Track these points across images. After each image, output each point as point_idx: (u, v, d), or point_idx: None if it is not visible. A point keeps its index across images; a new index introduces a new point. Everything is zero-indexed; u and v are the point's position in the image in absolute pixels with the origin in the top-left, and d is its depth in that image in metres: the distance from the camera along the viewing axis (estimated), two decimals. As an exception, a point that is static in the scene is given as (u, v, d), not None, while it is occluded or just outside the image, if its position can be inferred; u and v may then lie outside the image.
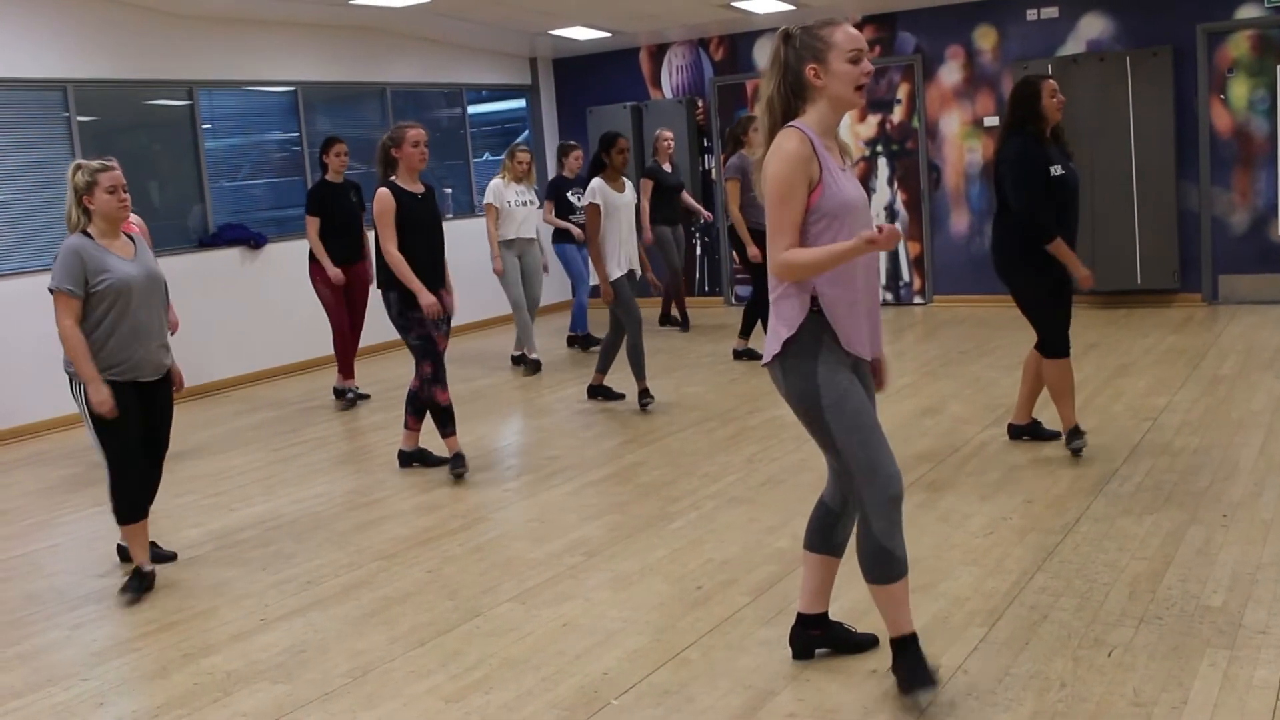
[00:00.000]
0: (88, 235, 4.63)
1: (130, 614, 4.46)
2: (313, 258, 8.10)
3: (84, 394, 4.62)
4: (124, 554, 5.04)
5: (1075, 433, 5.57)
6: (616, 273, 7.26)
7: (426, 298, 5.86)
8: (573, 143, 9.88)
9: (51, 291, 4.55)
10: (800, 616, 3.56)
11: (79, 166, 4.65)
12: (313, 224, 8.03)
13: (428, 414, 6.20)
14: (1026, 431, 5.89)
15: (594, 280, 7.61)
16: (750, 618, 3.92)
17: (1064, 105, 5.55)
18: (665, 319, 10.75)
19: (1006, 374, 7.40)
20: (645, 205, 9.86)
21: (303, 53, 10.16)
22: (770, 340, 3.28)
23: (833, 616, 3.60)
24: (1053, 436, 5.81)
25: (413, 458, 6.33)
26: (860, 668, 3.47)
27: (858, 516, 3.27)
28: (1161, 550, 4.25)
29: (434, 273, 6.03)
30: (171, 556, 5.07)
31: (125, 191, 4.67)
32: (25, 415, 8.03)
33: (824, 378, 3.18)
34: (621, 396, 7.60)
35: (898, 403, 6.99)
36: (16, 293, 8.00)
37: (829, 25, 3.19)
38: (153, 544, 5.00)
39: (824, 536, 3.46)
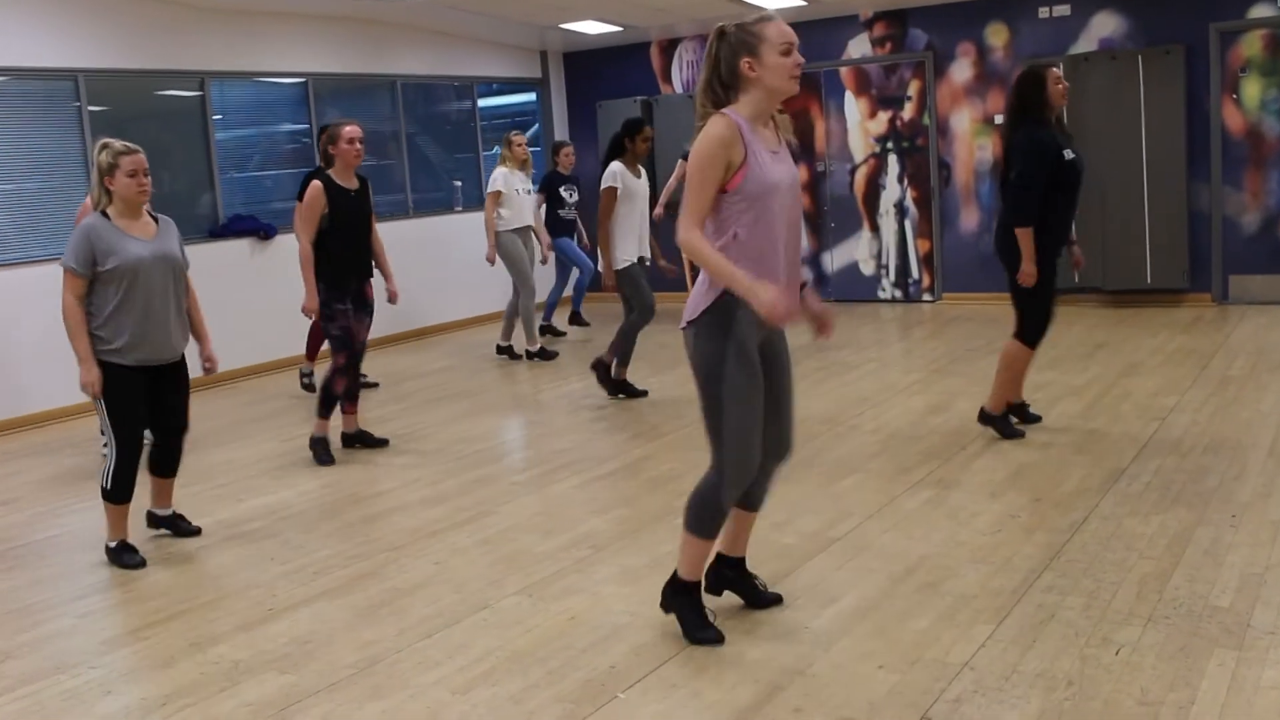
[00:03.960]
0: (106, 216, 4.77)
1: (138, 603, 4.47)
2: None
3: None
4: (152, 520, 5.25)
5: (1010, 415, 5.96)
6: (627, 259, 7.26)
7: (312, 302, 6.26)
8: (565, 140, 9.93)
9: (63, 268, 4.72)
10: (719, 556, 3.91)
11: (105, 145, 4.77)
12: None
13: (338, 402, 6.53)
14: (1016, 414, 6.02)
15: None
16: (756, 612, 3.92)
17: (1068, 92, 5.72)
18: None
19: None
20: (672, 185, 10.08)
21: (314, 44, 10.17)
22: (691, 304, 3.52)
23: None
24: (1035, 420, 6.07)
25: (354, 439, 6.70)
26: (867, 664, 3.47)
27: (707, 475, 3.58)
28: (1169, 550, 4.24)
29: (359, 266, 6.41)
30: (196, 530, 5.26)
31: (146, 176, 4.78)
32: (32, 404, 8.06)
33: (732, 352, 3.44)
34: (644, 393, 7.59)
35: (906, 399, 6.98)
36: (25, 281, 8.02)
37: (761, 21, 3.44)
38: (180, 516, 5.27)
39: (745, 493, 3.68)
